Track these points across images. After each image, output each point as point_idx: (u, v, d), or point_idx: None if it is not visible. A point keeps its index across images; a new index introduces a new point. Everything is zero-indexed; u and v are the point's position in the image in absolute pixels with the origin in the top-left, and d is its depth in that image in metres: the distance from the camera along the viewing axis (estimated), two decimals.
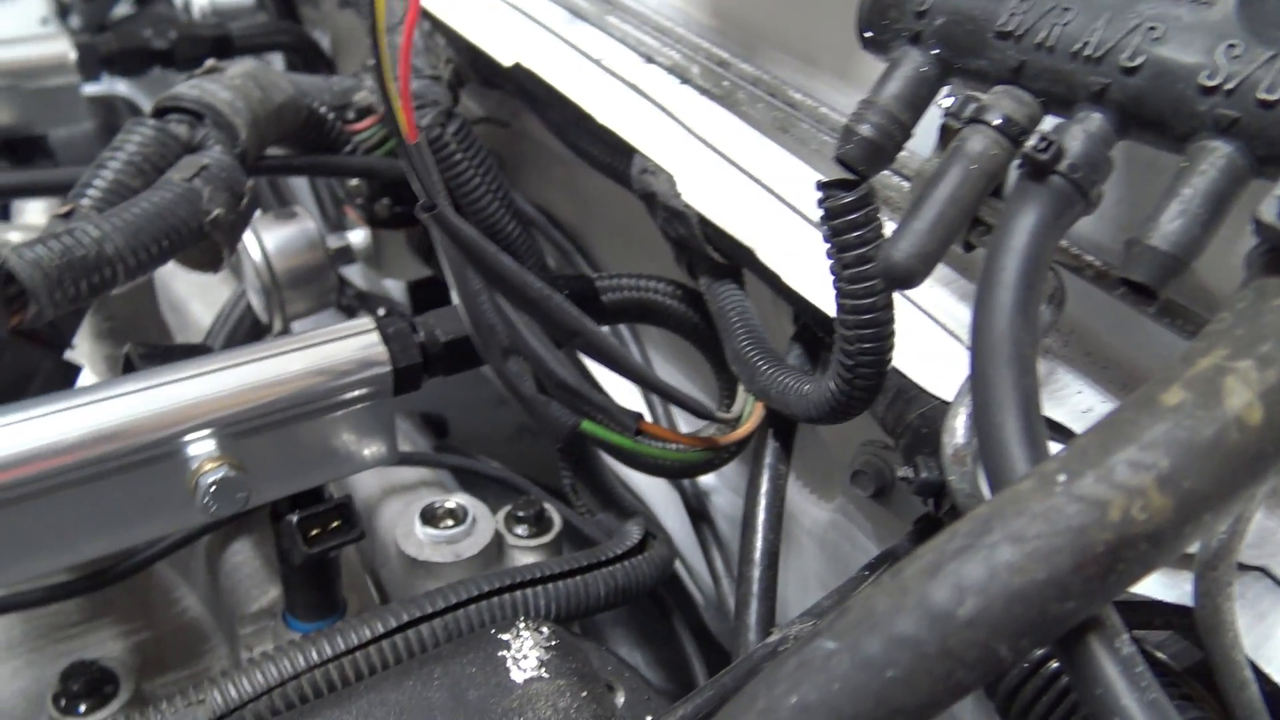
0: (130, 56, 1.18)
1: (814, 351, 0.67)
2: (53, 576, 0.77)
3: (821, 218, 0.47)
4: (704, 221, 0.66)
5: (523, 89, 0.83)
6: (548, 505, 0.89)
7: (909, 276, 0.43)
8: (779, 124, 0.65)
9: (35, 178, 0.92)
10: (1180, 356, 0.34)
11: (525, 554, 0.87)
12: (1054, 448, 0.45)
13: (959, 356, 0.55)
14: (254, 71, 0.82)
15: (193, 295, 1.20)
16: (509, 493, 1.00)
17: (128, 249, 0.65)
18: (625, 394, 0.97)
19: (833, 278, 0.48)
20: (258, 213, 0.85)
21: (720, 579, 0.88)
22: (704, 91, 0.70)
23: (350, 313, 1.30)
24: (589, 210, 0.98)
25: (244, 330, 1.06)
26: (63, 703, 0.73)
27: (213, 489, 0.63)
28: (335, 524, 0.70)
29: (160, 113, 0.76)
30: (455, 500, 0.86)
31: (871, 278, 0.46)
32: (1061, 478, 0.33)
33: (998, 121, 0.42)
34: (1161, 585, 0.45)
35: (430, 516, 0.84)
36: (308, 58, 1.30)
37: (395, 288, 1.37)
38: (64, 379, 0.68)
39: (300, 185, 1.44)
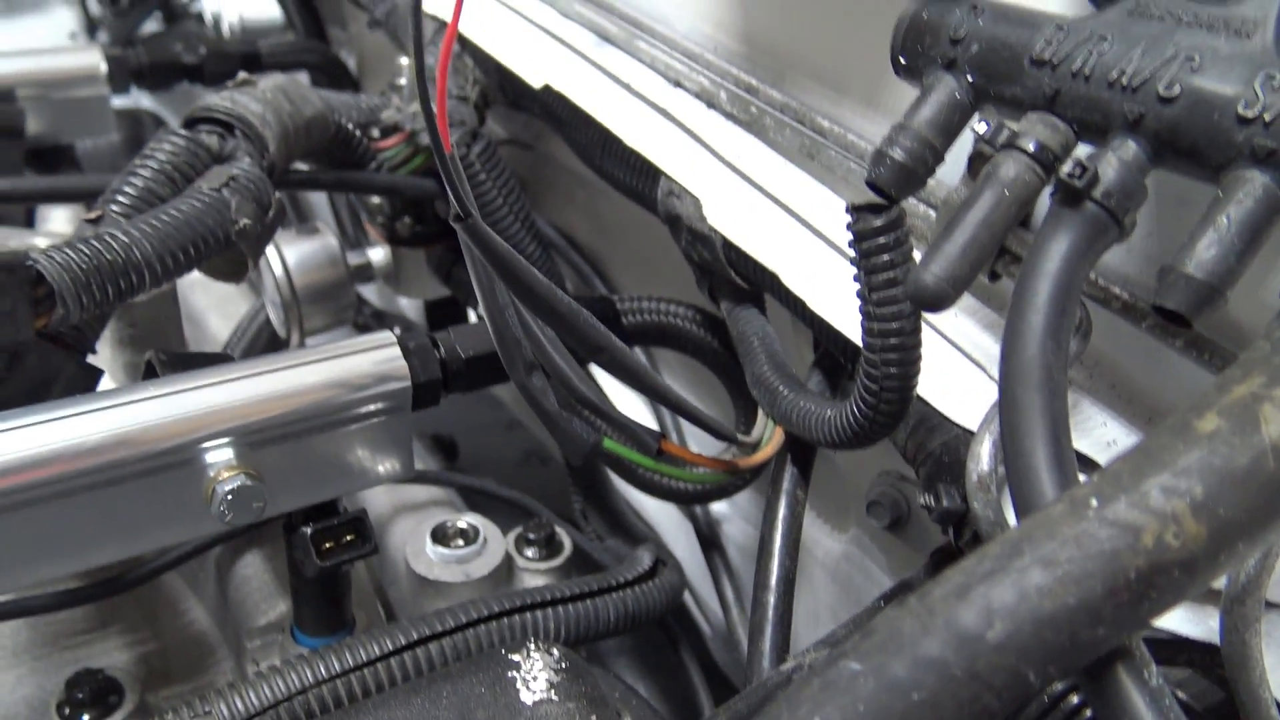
0: (160, 70, 1.19)
1: (834, 378, 0.67)
2: (61, 583, 0.77)
3: (851, 240, 0.47)
4: (728, 245, 0.66)
5: (550, 111, 0.83)
6: (559, 528, 0.89)
7: (939, 299, 0.43)
8: (806, 150, 0.65)
9: (63, 183, 0.93)
10: (1215, 384, 0.34)
11: (535, 576, 0.86)
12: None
13: (982, 386, 0.54)
14: (285, 85, 0.83)
15: (211, 308, 1.21)
16: (519, 515, 1.00)
17: (155, 255, 0.65)
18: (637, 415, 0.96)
19: (860, 301, 0.48)
20: (279, 228, 0.85)
21: (730, 608, 0.88)
22: (731, 117, 0.71)
23: (366, 331, 1.30)
24: (609, 234, 0.99)
25: (261, 344, 1.07)
26: (67, 711, 0.72)
27: (229, 497, 0.63)
28: (349, 538, 0.69)
29: (191, 123, 0.77)
30: (467, 520, 0.86)
31: (900, 301, 0.46)
32: (1094, 502, 0.33)
33: (1032, 148, 0.42)
34: (1186, 621, 0.44)
35: (441, 535, 0.84)
36: (334, 77, 1.31)
37: (410, 307, 1.37)
38: (86, 383, 0.68)
39: (319, 201, 1.45)
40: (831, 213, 0.63)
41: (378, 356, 0.68)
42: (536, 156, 1.01)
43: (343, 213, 1.23)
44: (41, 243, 0.81)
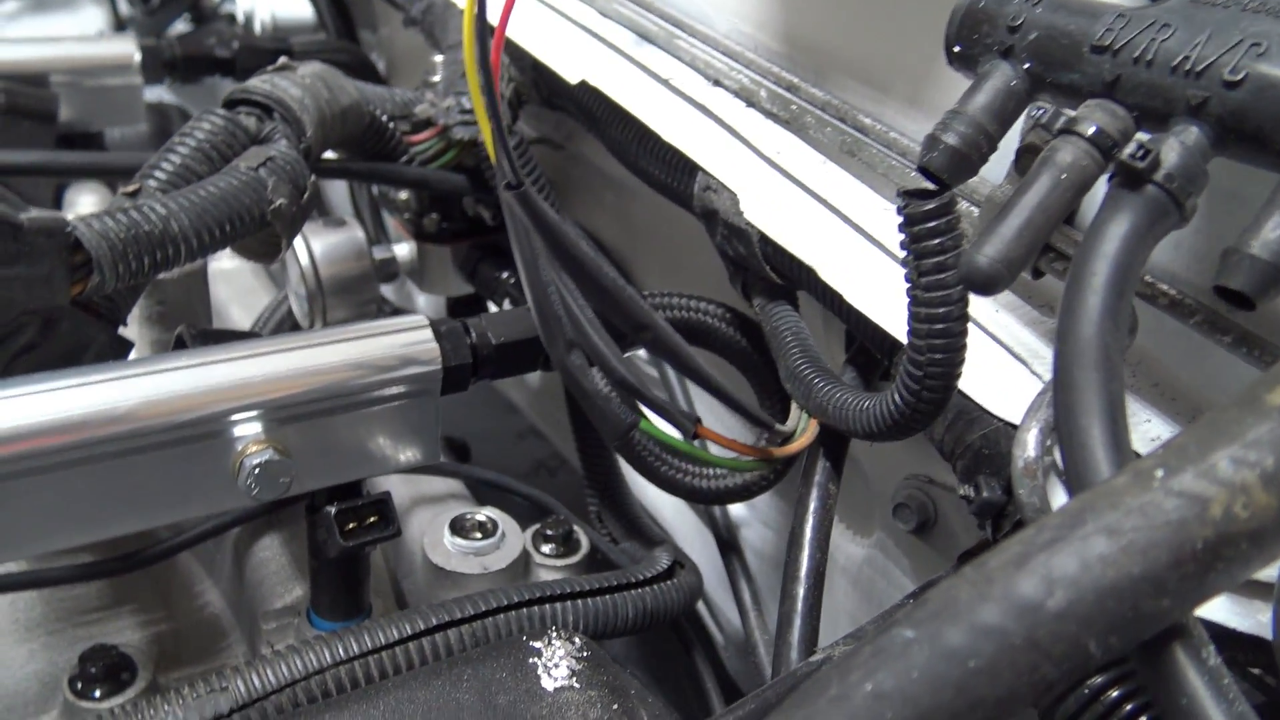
0: (193, 63, 1.20)
1: (867, 375, 0.67)
2: (77, 556, 0.76)
3: (901, 224, 0.47)
4: (764, 240, 0.66)
5: (584, 108, 0.84)
6: (576, 526, 0.88)
7: (993, 281, 0.43)
8: (846, 148, 0.65)
9: (98, 159, 0.94)
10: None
11: (551, 573, 0.86)
12: None
13: (1024, 380, 0.54)
14: (323, 73, 0.84)
15: (232, 300, 1.21)
16: (537, 513, 1.00)
17: (192, 229, 0.65)
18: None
19: (908, 285, 0.48)
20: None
21: (748, 613, 0.87)
22: (770, 115, 0.71)
23: None
24: (637, 236, 0.99)
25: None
26: (79, 686, 0.71)
27: (256, 471, 0.62)
28: (372, 519, 0.69)
29: (231, 104, 0.77)
30: (485, 513, 0.85)
31: (949, 287, 0.46)
32: (1160, 473, 0.32)
33: (1091, 132, 0.42)
34: (1233, 614, 0.43)
35: (460, 527, 0.84)
36: (364, 77, 1.31)
37: (427, 306, 1.37)
38: (116, 354, 0.68)
39: (339, 197, 1.45)
40: (872, 208, 0.63)
41: (409, 338, 0.68)
42: (567, 156, 1.01)
43: (363, 208, 1.24)
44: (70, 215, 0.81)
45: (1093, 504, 0.33)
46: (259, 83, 0.78)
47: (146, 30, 1.91)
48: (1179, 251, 0.50)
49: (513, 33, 0.89)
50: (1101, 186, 0.42)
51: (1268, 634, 0.42)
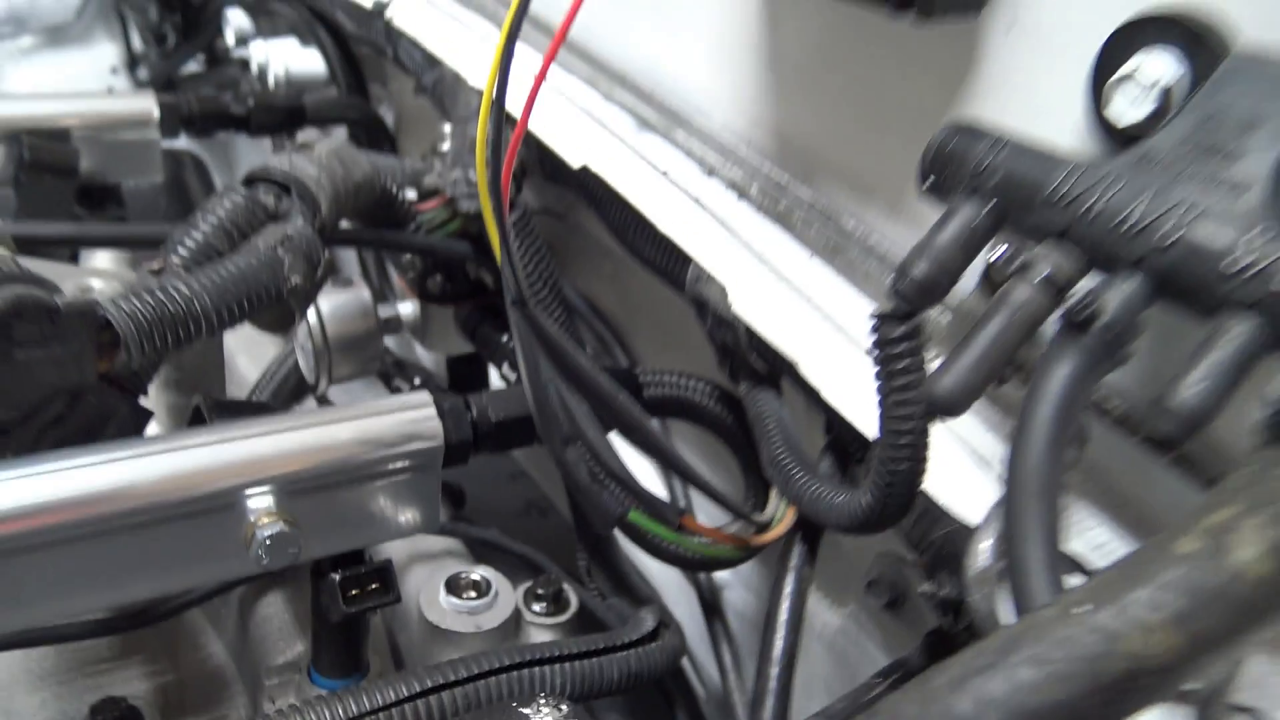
0: (209, 119, 1.25)
1: (844, 462, 0.71)
2: (89, 613, 0.80)
3: (873, 345, 0.51)
4: (750, 332, 0.71)
5: (586, 189, 0.88)
6: (566, 585, 0.92)
7: (951, 409, 0.47)
8: (830, 247, 0.70)
9: (122, 231, 0.98)
10: (1196, 508, 0.38)
11: (542, 631, 0.89)
12: (1067, 580, 0.49)
13: (984, 483, 0.58)
14: (339, 150, 0.88)
15: (239, 350, 1.25)
16: (528, 569, 1.03)
17: (214, 308, 0.69)
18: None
19: (879, 399, 0.52)
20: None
21: (728, 674, 0.91)
22: (761, 209, 0.75)
23: (387, 379, 1.35)
24: (632, 306, 1.03)
25: (289, 388, 1.11)
26: None
27: (267, 542, 0.66)
28: (374, 586, 0.73)
29: (251, 181, 0.82)
30: (479, 573, 0.89)
31: (913, 404, 0.50)
32: (1082, 609, 0.36)
33: (1042, 276, 0.46)
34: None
35: (455, 586, 0.87)
36: (372, 133, 1.36)
37: (427, 357, 1.41)
38: (137, 424, 0.72)
39: (348, 251, 1.49)
40: (851, 309, 0.68)
41: (414, 415, 0.72)
42: (568, 226, 1.06)
43: (370, 266, 1.28)
44: (96, 283, 0.85)
45: (1024, 634, 0.37)
46: (279, 162, 0.83)
47: (158, 70, 1.96)
48: (1128, 371, 0.54)
49: (518, 112, 0.93)
50: None
51: None
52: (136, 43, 2.10)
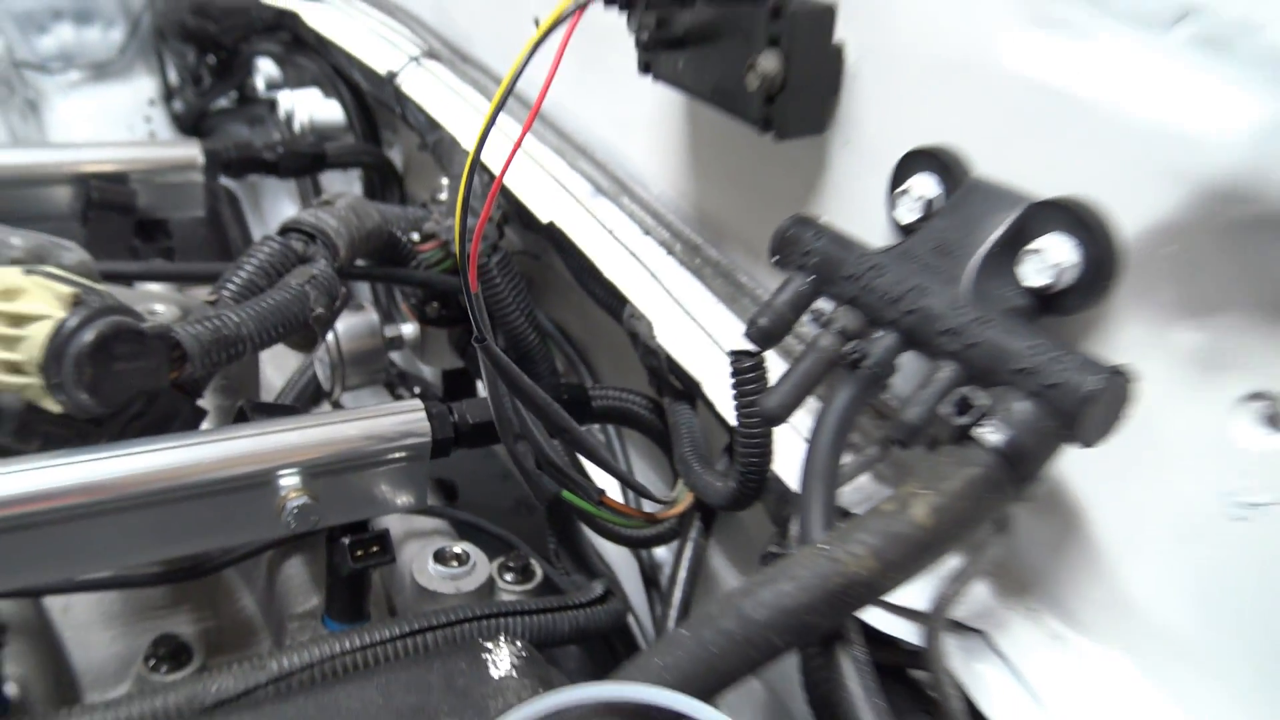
0: (245, 164, 1.46)
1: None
2: (149, 567, 1.01)
3: (730, 373, 0.72)
4: (670, 359, 0.92)
5: (553, 238, 1.10)
6: (532, 560, 1.13)
7: (776, 420, 0.68)
8: (730, 297, 0.91)
9: (186, 269, 1.20)
10: (898, 486, 0.59)
11: (510, 596, 1.10)
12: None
13: None
14: (354, 204, 1.10)
15: (267, 360, 1.46)
16: (503, 548, 1.24)
17: (256, 332, 0.91)
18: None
19: (734, 412, 0.73)
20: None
21: (664, 632, 1.11)
22: (682, 263, 0.97)
23: (391, 388, 1.56)
24: (594, 332, 1.24)
25: (309, 393, 1.32)
26: (150, 663, 0.96)
27: (295, 511, 0.87)
28: (375, 549, 0.94)
29: (284, 231, 1.03)
30: (461, 547, 1.10)
31: (755, 415, 0.71)
32: (824, 545, 0.57)
33: (837, 329, 0.67)
34: (908, 632, 0.68)
35: (441, 557, 1.08)
36: (384, 175, 1.58)
37: (428, 370, 1.62)
38: (195, 420, 0.93)
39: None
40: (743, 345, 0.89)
41: (408, 417, 0.93)
42: (543, 265, 1.27)
43: (380, 293, 1.50)
44: (159, 307, 1.07)
45: (791, 561, 0.58)
46: (307, 215, 1.04)
47: (192, 104, 2.19)
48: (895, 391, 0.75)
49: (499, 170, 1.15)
50: None
51: (906, 637, 0.66)
52: (173, 78, 2.32)
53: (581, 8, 0.72)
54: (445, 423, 0.94)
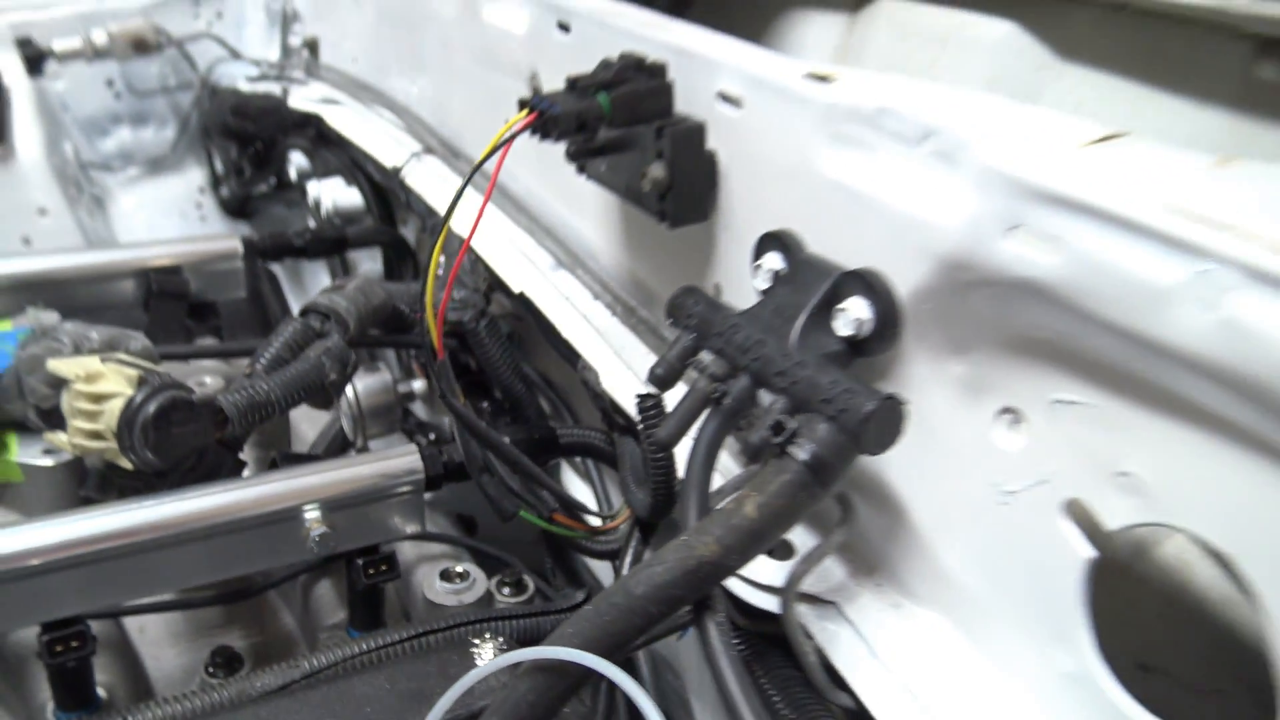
0: (278, 250, 1.71)
1: None
2: (206, 591, 1.24)
3: (636, 411, 0.93)
4: (613, 402, 1.13)
5: (524, 303, 1.32)
6: (525, 575, 1.34)
7: (668, 445, 0.89)
8: (658, 349, 1.12)
9: (229, 347, 1.44)
10: (737, 492, 0.79)
11: (505, 605, 1.31)
12: None
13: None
14: (362, 285, 1.33)
15: (302, 418, 1.70)
16: (504, 567, 1.46)
17: (283, 397, 1.14)
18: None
19: (641, 441, 0.94)
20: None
21: None
22: (623, 323, 1.18)
23: (410, 435, 1.79)
24: (572, 379, 1.46)
25: (337, 443, 1.55)
26: (210, 671, 1.19)
27: (317, 539, 1.09)
28: (384, 567, 1.16)
29: (304, 312, 1.26)
30: (463, 566, 1.31)
31: (656, 443, 0.92)
32: (687, 535, 0.77)
33: (708, 374, 0.88)
34: (771, 603, 0.88)
35: (446, 576, 1.29)
36: (399, 251, 1.82)
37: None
38: (237, 470, 1.16)
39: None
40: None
41: (406, 460, 1.15)
42: (526, 323, 1.49)
43: (400, 355, 1.73)
44: (207, 379, 1.31)
45: (665, 549, 0.78)
46: (323, 299, 1.28)
47: (236, 190, 2.46)
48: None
49: (482, 252, 1.38)
50: None
51: (767, 607, 0.85)
52: (219, 169, 2.60)
53: (512, 138, 0.95)
54: (436, 461, 1.16)
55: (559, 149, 1.04)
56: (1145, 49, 1.24)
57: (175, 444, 1.06)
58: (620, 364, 1.14)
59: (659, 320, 1.14)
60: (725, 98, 0.94)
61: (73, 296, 1.53)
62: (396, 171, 1.63)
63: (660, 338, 1.12)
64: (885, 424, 0.77)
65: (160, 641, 1.24)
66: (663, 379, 0.92)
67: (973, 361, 0.79)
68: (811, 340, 0.84)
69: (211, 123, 2.42)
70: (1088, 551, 0.73)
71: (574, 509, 1.11)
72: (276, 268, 2.01)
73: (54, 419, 1.13)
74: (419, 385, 1.56)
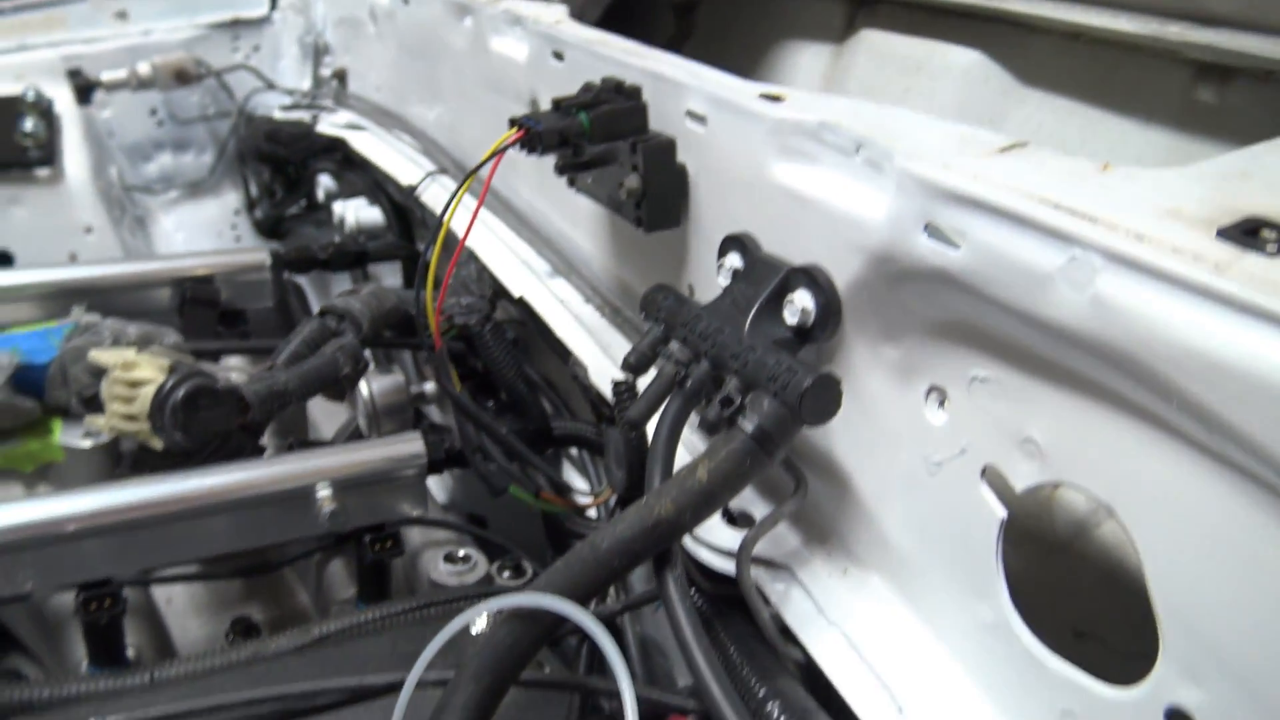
0: (303, 262, 1.84)
1: None
2: (228, 564, 1.35)
3: (611, 394, 1.04)
4: (600, 395, 1.23)
5: (524, 307, 1.43)
6: (524, 561, 1.44)
7: (638, 424, 0.99)
8: None
9: (255, 344, 1.56)
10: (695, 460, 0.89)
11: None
12: None
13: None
14: (375, 290, 1.45)
15: (322, 419, 1.82)
16: (504, 553, 1.56)
17: (300, 389, 1.25)
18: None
19: (617, 423, 1.04)
20: (371, 366, 1.46)
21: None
22: (611, 322, 1.29)
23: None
24: (572, 380, 1.57)
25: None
26: (230, 639, 1.30)
27: (328, 515, 1.20)
28: (390, 544, 1.26)
29: (322, 313, 1.38)
30: (465, 550, 1.42)
31: (628, 422, 1.03)
32: (647, 500, 0.87)
33: (674, 359, 0.98)
34: (728, 564, 0.97)
35: (450, 558, 1.40)
36: (415, 262, 1.94)
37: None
38: (258, 454, 1.27)
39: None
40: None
41: (410, 445, 1.26)
42: (529, 328, 1.61)
43: (415, 357, 1.85)
44: (234, 374, 1.43)
45: (628, 510, 0.88)
46: (339, 301, 1.39)
47: (269, 211, 2.60)
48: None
49: (484, 258, 1.49)
50: None
51: (723, 569, 0.95)
52: (254, 191, 2.75)
53: (503, 150, 1.06)
54: (438, 449, 1.27)
55: (550, 164, 1.15)
56: (1098, 75, 1.34)
57: (202, 425, 1.17)
58: (608, 360, 1.25)
59: (639, 318, 1.24)
60: (693, 116, 1.06)
61: (113, 303, 1.66)
62: (413, 190, 1.75)
63: (641, 334, 1.23)
64: (822, 397, 0.87)
65: (185, 612, 1.35)
66: (635, 366, 1.03)
67: (904, 346, 0.89)
68: (763, 328, 0.94)
69: (247, 148, 2.57)
70: (1001, 512, 0.83)
71: (561, 488, 1.21)
72: (303, 280, 2.14)
73: (94, 406, 1.25)
74: (430, 387, 1.67)
